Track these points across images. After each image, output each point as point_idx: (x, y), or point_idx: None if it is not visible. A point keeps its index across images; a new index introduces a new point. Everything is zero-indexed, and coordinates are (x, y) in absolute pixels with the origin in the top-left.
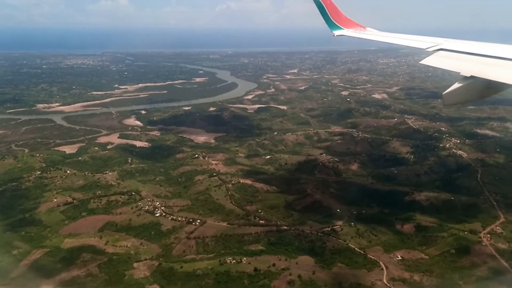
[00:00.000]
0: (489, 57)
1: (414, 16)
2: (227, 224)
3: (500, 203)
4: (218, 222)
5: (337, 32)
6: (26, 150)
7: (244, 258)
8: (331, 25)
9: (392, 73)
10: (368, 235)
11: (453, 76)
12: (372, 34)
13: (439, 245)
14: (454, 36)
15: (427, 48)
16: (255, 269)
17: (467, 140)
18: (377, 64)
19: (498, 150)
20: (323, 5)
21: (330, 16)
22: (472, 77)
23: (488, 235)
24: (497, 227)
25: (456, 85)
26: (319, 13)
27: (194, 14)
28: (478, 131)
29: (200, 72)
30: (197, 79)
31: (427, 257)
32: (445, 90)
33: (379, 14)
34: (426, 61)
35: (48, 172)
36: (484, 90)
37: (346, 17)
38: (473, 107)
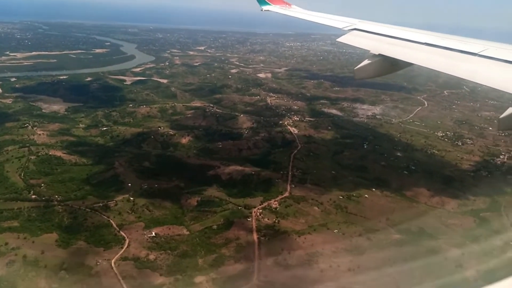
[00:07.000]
0: (396, 38)
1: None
2: None
3: (296, 178)
4: None
5: (264, 8)
6: None
7: None
8: (260, 0)
9: (289, 55)
10: (143, 210)
11: (342, 59)
12: (295, 12)
13: (207, 221)
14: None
15: (343, 28)
16: None
17: (307, 118)
18: (282, 46)
19: (329, 128)
20: None
21: None
22: (380, 55)
23: (260, 210)
24: (275, 202)
25: (366, 62)
26: None
27: None
28: (325, 110)
29: (106, 43)
30: (98, 50)
31: (188, 233)
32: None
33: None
34: (342, 39)
35: None
36: (389, 66)
37: None
38: (338, 88)
